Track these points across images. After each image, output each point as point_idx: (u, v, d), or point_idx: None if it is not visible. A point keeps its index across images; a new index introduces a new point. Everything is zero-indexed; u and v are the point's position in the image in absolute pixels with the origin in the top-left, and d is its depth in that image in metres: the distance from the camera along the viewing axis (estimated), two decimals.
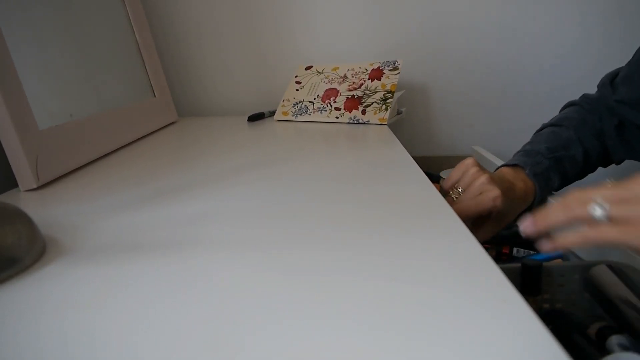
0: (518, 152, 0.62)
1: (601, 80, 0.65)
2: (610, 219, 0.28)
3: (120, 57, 0.81)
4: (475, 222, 0.53)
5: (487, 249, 0.34)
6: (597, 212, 0.28)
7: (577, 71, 1.02)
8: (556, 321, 0.44)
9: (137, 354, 0.22)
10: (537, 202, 0.57)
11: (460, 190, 0.53)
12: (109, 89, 0.75)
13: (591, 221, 0.29)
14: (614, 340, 0.38)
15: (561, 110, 0.70)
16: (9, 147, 0.50)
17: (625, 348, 0.37)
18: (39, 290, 0.29)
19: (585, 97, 0.67)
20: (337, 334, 0.23)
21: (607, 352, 0.37)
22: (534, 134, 0.67)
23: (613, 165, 0.66)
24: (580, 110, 0.65)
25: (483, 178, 0.52)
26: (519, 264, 0.47)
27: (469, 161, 0.55)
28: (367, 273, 0.29)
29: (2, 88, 0.48)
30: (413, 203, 0.42)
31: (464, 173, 0.54)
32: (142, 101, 0.84)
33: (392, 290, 0.27)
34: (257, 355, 0.22)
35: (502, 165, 0.60)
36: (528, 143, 0.64)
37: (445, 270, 0.29)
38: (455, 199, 0.53)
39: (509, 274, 0.29)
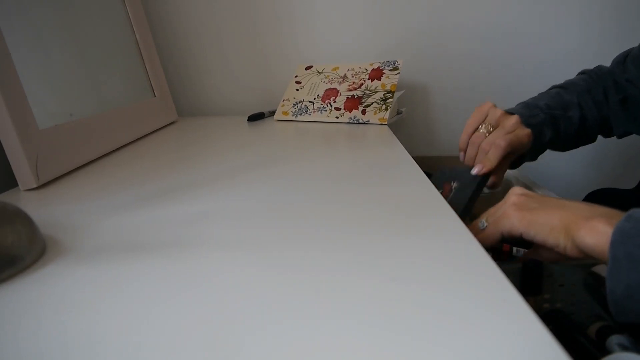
0: (520, 103, 0.66)
1: (616, 57, 0.68)
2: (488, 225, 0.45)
3: (120, 57, 0.81)
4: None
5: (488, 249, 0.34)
6: (483, 225, 0.45)
7: (577, 71, 1.02)
8: (556, 321, 0.44)
9: (137, 354, 0.22)
10: (530, 150, 0.62)
11: (490, 127, 0.59)
12: (109, 89, 0.75)
13: (480, 230, 0.45)
14: (614, 340, 0.38)
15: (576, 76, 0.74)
16: (9, 146, 0.50)
17: (624, 348, 0.37)
18: (39, 290, 0.29)
19: (598, 68, 0.70)
20: (337, 334, 0.23)
21: (607, 351, 0.37)
22: (542, 92, 0.70)
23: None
24: (588, 80, 0.68)
25: (515, 119, 0.58)
26: (519, 264, 0.47)
27: (489, 103, 0.61)
28: (367, 273, 0.29)
29: (2, 88, 0.48)
30: (413, 203, 0.42)
31: (488, 114, 0.60)
32: (142, 101, 0.84)
33: (392, 290, 0.27)
34: (257, 355, 0.22)
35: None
36: (532, 98, 0.67)
37: (445, 270, 0.29)
38: (487, 135, 0.58)
39: (509, 274, 0.29)
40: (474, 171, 0.56)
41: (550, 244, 0.39)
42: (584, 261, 0.49)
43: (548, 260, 0.43)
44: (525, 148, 0.60)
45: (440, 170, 0.64)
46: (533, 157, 0.66)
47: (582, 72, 0.72)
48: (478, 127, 0.61)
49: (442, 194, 0.57)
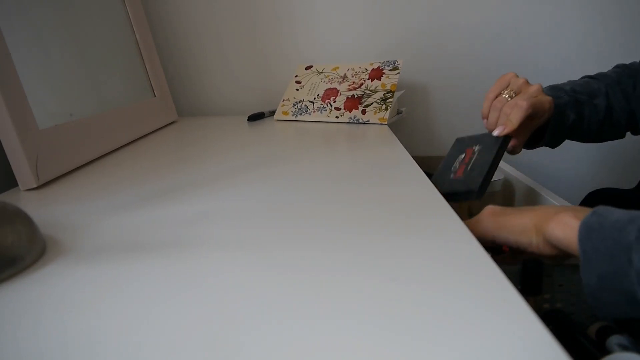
0: (546, 86, 0.65)
1: None
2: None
3: (120, 57, 0.81)
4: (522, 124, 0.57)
5: (487, 249, 0.34)
6: None
7: (578, 72, 1.01)
8: (556, 321, 0.44)
9: (137, 353, 0.22)
10: (550, 130, 0.62)
11: (512, 93, 0.59)
12: (109, 89, 0.75)
13: None
14: (614, 340, 0.38)
15: None
16: (9, 146, 0.50)
17: (624, 348, 0.37)
18: (39, 290, 0.29)
19: (632, 63, 0.70)
20: (337, 334, 0.23)
21: (607, 352, 0.37)
22: (570, 80, 0.70)
23: None
24: (620, 72, 0.68)
25: (537, 86, 0.58)
26: (519, 264, 0.47)
27: (512, 73, 0.61)
28: (367, 273, 0.29)
29: (2, 88, 0.48)
30: (413, 203, 0.42)
31: (510, 82, 0.60)
32: (142, 101, 0.84)
33: (392, 290, 0.27)
34: (257, 355, 0.22)
35: None
36: (560, 83, 0.67)
37: (445, 270, 0.29)
38: (509, 99, 0.58)
39: (509, 274, 0.29)
40: (496, 132, 0.56)
41: (523, 244, 0.40)
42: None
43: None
44: (547, 114, 0.60)
45: (459, 140, 0.64)
46: (553, 143, 0.65)
47: (617, 66, 0.72)
48: (500, 93, 0.61)
49: (464, 158, 0.57)
